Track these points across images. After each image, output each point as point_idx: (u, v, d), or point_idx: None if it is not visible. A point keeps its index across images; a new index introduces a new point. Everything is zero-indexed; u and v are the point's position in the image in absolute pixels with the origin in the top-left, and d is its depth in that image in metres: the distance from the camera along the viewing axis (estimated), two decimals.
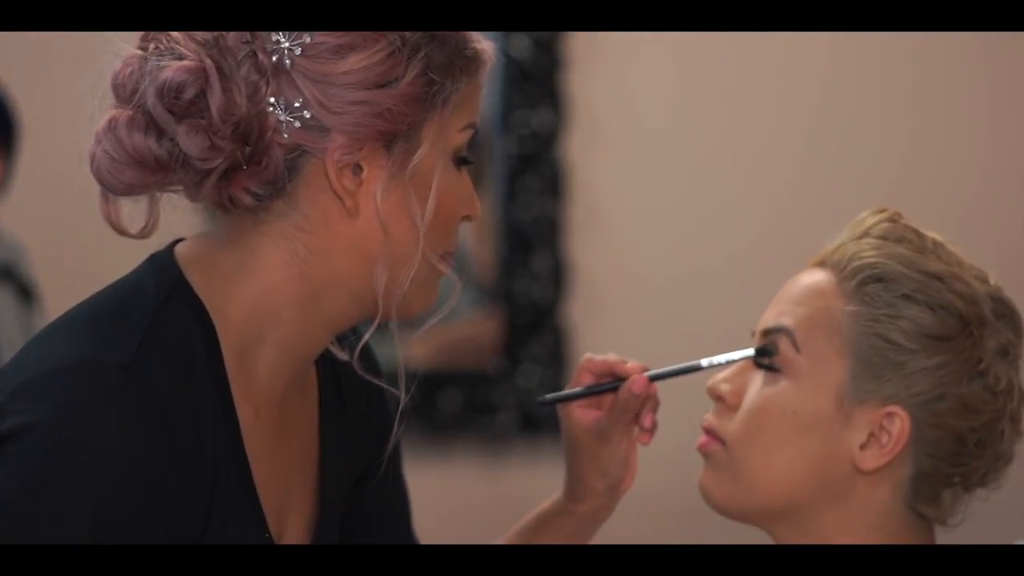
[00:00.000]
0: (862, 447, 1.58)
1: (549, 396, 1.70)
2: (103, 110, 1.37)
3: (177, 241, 1.45)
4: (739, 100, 3.27)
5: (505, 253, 3.31)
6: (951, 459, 1.59)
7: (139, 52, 1.37)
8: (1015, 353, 1.60)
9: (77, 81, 1.39)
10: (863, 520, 1.60)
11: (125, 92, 1.37)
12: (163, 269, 1.42)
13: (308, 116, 1.36)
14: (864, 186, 3.21)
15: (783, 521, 1.61)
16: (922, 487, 1.60)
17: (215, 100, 1.34)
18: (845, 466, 1.59)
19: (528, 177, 3.28)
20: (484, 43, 1.44)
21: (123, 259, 1.45)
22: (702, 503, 1.65)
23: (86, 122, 1.38)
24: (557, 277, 3.29)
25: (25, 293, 3.04)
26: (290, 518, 1.50)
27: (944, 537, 1.64)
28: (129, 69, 1.37)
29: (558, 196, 3.28)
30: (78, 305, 1.43)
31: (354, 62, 1.36)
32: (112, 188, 1.37)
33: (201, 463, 1.36)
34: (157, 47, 1.36)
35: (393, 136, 1.39)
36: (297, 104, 1.36)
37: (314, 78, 1.36)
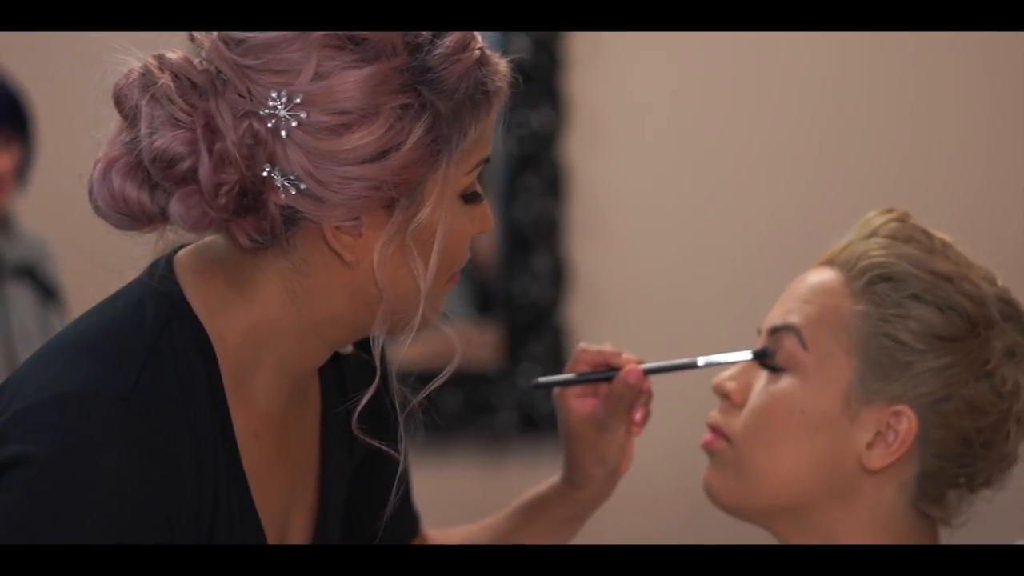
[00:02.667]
0: (868, 446, 1.58)
1: (543, 379, 1.69)
2: (103, 111, 1.36)
3: (178, 249, 1.44)
4: (739, 100, 3.27)
5: (505, 253, 3.30)
6: (957, 460, 1.59)
7: (139, 71, 1.34)
8: (1022, 355, 1.60)
9: (96, 78, 1.38)
10: (868, 519, 1.60)
11: (124, 108, 1.34)
12: (163, 291, 1.40)
13: (303, 187, 1.33)
14: (864, 186, 3.21)
15: (788, 520, 1.61)
16: (928, 487, 1.60)
17: (206, 175, 1.31)
18: (851, 465, 1.58)
19: (528, 177, 3.27)
20: (501, 79, 1.39)
21: (144, 260, 1.43)
22: (706, 502, 1.65)
23: (107, 121, 1.36)
24: (557, 277, 3.29)
25: (47, 293, 3.03)
26: (294, 524, 1.50)
27: (946, 536, 1.64)
28: (129, 90, 1.34)
29: (558, 196, 3.27)
30: (79, 322, 1.42)
31: (351, 141, 1.33)
32: (114, 225, 1.36)
33: (201, 493, 1.36)
34: (154, 96, 1.33)
35: (394, 200, 1.36)
36: (293, 177, 1.33)
37: (309, 153, 1.32)
